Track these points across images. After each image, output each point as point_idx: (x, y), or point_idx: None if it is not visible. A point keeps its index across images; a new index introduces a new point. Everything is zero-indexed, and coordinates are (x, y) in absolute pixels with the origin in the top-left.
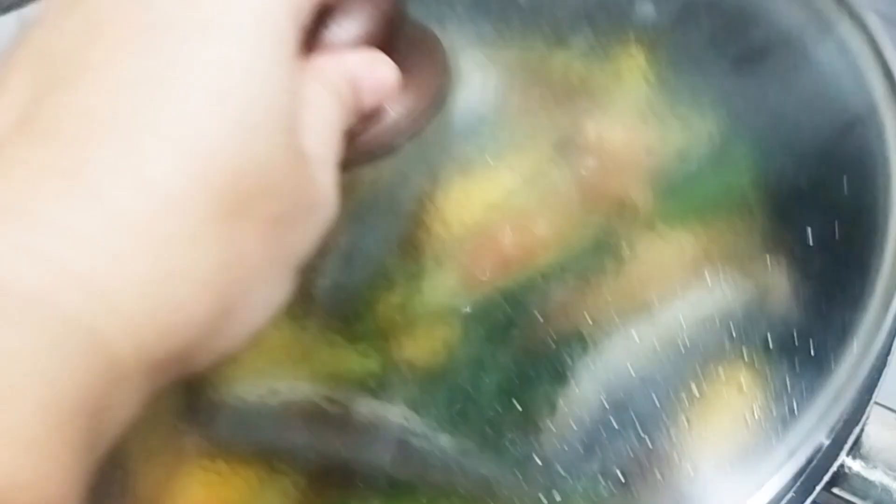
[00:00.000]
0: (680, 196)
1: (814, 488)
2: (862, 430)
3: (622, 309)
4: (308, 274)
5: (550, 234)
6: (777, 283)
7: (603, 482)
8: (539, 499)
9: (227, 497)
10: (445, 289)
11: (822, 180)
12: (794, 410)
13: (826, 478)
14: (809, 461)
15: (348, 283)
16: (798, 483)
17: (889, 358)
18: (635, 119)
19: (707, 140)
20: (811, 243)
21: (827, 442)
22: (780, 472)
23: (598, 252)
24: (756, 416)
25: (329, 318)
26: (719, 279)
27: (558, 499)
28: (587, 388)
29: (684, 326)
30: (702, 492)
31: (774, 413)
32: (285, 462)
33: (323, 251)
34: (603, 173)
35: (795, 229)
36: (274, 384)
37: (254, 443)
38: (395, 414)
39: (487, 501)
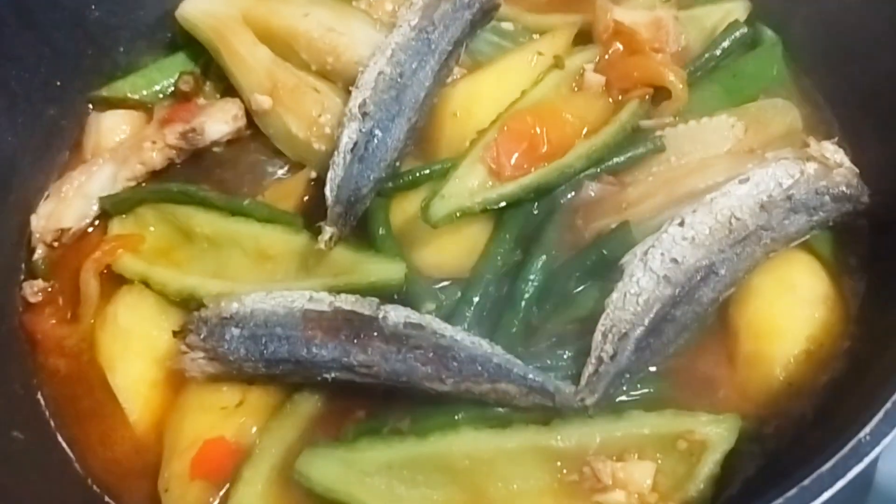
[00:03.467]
0: (714, 80)
1: None
2: None
3: (665, 199)
4: (324, 180)
5: (581, 124)
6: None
7: (658, 380)
8: (578, 400)
9: (240, 423)
10: (473, 186)
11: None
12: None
13: None
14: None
15: (370, 186)
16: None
17: None
18: (663, 4)
19: (738, 25)
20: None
21: None
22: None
23: (634, 141)
24: (833, 294)
25: (349, 221)
26: (779, 160)
27: (616, 397)
28: (641, 284)
29: (748, 208)
30: (776, 373)
31: (852, 288)
32: (305, 379)
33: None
34: (632, 58)
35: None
36: (292, 294)
37: (272, 359)
38: (424, 321)
39: (528, 408)
